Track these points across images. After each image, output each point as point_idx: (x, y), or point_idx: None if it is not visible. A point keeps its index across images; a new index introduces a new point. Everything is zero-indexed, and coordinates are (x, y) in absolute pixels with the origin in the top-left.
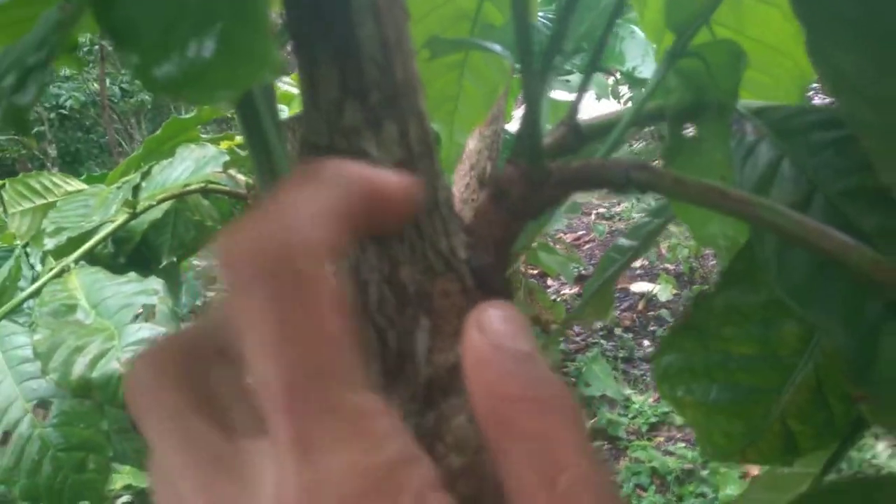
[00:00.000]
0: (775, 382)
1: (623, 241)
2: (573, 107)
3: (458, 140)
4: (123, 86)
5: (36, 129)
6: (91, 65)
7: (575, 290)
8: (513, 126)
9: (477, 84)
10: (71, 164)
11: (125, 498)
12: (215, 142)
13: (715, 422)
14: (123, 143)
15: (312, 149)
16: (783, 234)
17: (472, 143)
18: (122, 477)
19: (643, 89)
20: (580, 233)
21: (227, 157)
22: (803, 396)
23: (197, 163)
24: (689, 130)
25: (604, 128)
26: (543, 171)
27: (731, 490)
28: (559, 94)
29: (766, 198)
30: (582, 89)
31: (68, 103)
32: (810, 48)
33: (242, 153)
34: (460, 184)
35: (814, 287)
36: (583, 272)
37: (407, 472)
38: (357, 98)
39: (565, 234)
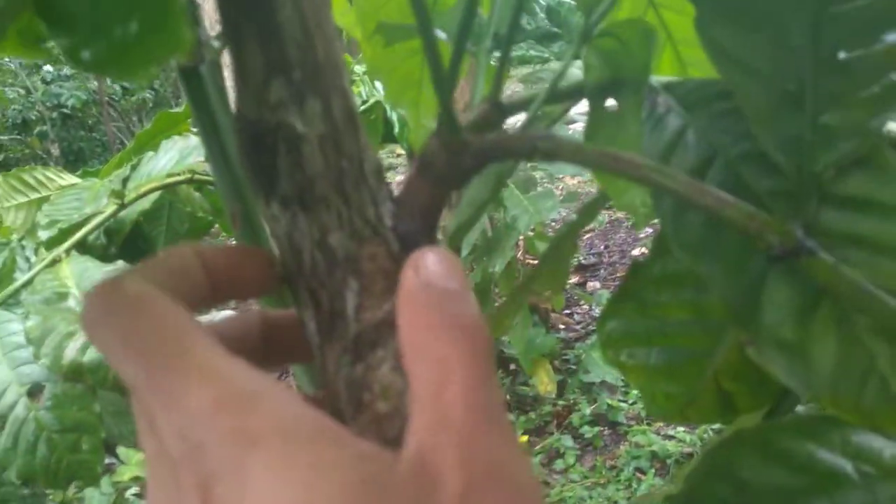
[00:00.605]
0: (707, 345)
1: (573, 217)
2: (495, 84)
3: (424, 123)
4: (124, 84)
5: (38, 129)
6: None
7: (574, 279)
8: None
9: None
10: (74, 162)
11: (133, 489)
12: None
13: (656, 383)
14: (125, 141)
15: (245, 124)
16: (670, 193)
17: None
18: (131, 469)
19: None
20: None
21: None
22: (734, 357)
23: (181, 153)
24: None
25: (524, 104)
26: (462, 143)
27: None
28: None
29: (669, 163)
30: (501, 67)
31: (70, 102)
32: (698, 24)
33: None
34: None
35: (704, 243)
36: (582, 261)
37: (259, 394)
38: (281, 75)
39: None
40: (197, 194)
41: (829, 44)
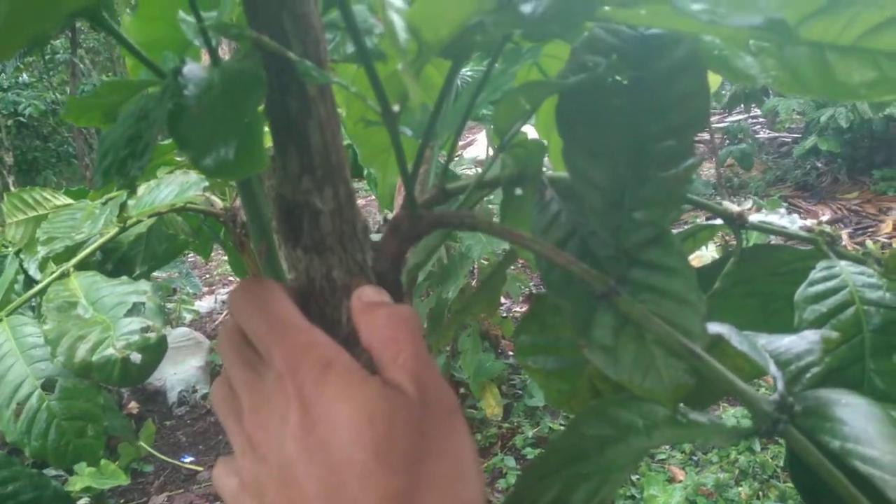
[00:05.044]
0: (584, 356)
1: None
2: (441, 175)
3: (390, 181)
4: None
5: None
6: (52, 73)
7: (525, 307)
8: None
9: (404, 139)
10: (28, 172)
11: (84, 500)
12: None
13: (551, 382)
14: (84, 153)
15: (283, 200)
16: (540, 255)
17: None
18: (83, 479)
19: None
20: None
21: (206, 184)
22: None
23: (181, 186)
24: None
25: (461, 189)
26: (418, 216)
27: (654, 491)
28: None
29: (548, 233)
30: (445, 167)
31: (27, 111)
32: (563, 153)
33: (218, 179)
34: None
35: (562, 286)
36: (534, 290)
37: (325, 346)
38: (309, 174)
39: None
40: (179, 218)
41: (643, 170)
